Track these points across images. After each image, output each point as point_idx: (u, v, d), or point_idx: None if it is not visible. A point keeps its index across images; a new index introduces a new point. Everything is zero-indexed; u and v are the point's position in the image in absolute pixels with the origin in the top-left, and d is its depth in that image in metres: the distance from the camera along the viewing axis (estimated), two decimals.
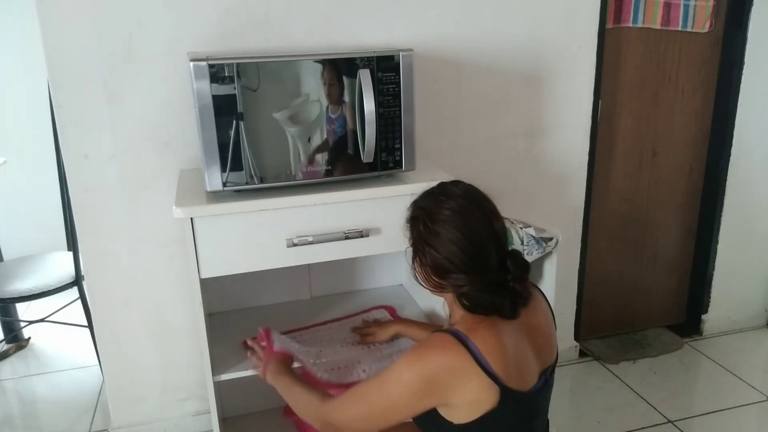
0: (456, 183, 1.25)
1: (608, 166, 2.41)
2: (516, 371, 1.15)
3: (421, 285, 1.27)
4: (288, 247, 1.54)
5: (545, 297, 1.33)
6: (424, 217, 1.21)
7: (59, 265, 2.44)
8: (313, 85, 1.50)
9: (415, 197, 1.28)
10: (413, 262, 1.27)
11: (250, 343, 1.61)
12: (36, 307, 2.87)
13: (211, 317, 1.93)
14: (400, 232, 1.64)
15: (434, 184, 1.28)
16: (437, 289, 1.23)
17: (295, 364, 1.59)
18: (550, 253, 1.84)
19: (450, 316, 1.28)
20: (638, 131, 2.41)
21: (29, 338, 2.76)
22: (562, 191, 2.27)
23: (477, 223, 1.17)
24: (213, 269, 1.53)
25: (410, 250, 1.28)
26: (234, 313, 1.96)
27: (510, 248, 1.23)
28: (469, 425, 1.14)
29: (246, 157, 1.47)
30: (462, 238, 1.15)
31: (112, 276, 1.89)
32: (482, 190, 1.24)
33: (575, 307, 2.45)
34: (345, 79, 1.51)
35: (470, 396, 1.12)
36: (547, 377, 1.24)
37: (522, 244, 1.77)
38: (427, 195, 1.26)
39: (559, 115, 2.17)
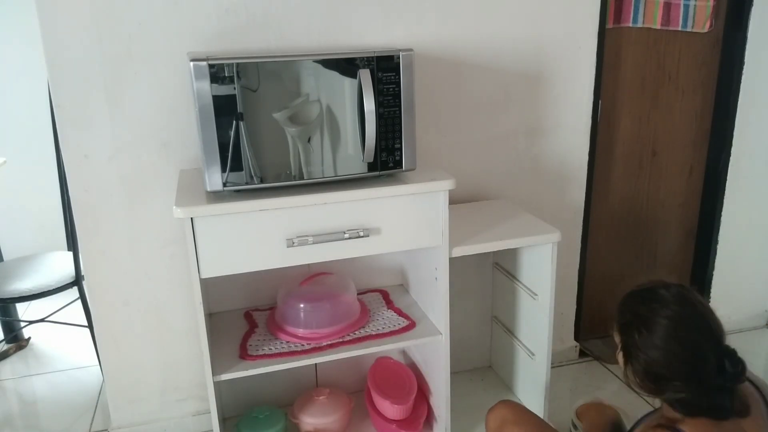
0: (667, 286, 1.24)
1: (608, 166, 2.41)
2: None
3: (632, 389, 1.27)
4: (288, 247, 1.54)
5: (765, 398, 1.28)
6: (639, 325, 1.21)
7: (59, 265, 2.44)
8: (313, 85, 1.50)
9: (624, 300, 1.28)
10: (626, 367, 1.27)
11: None
12: (36, 307, 2.87)
13: (211, 317, 1.93)
14: (401, 232, 1.65)
15: (644, 286, 1.27)
16: (652, 393, 1.23)
17: None
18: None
19: (664, 409, 1.28)
20: (638, 131, 2.41)
21: (29, 338, 2.76)
22: (562, 191, 2.27)
23: (694, 330, 1.17)
24: (213, 269, 1.53)
25: (621, 354, 1.27)
26: (234, 313, 1.96)
27: (725, 345, 1.20)
28: None
29: (246, 157, 1.47)
30: (680, 348, 1.16)
31: (112, 276, 1.89)
32: (693, 291, 1.24)
33: (575, 307, 2.45)
34: (345, 79, 1.51)
35: None
36: None
37: None
38: (639, 300, 1.25)
39: (559, 115, 2.17)
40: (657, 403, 1.34)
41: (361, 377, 2.12)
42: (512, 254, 2.03)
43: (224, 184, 1.47)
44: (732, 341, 1.12)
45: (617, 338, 1.29)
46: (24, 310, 2.95)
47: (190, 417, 2.09)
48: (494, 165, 2.15)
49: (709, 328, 1.18)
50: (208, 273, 1.53)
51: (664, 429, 1.15)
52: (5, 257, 2.80)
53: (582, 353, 2.51)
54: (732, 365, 1.16)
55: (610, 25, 2.20)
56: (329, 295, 1.81)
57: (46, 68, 1.69)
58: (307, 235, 1.55)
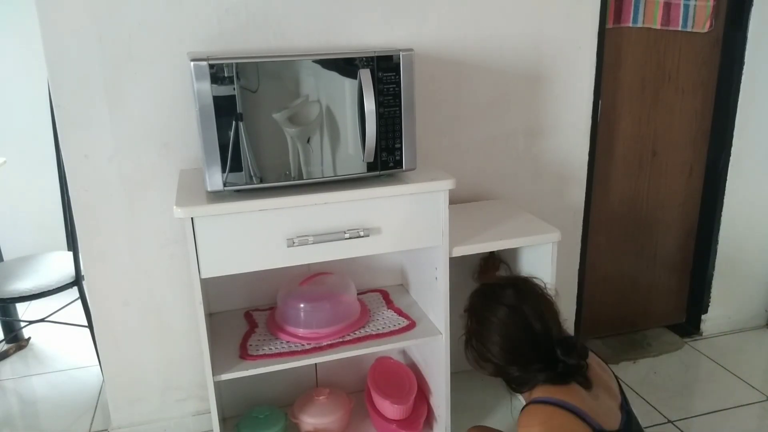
0: (504, 287, 1.42)
1: (608, 166, 2.41)
2: (602, 413, 1.29)
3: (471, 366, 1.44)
4: (288, 247, 1.54)
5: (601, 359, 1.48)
6: (474, 317, 1.42)
7: (59, 265, 2.44)
8: (313, 86, 1.50)
9: (473, 292, 1.48)
10: (465, 348, 1.45)
11: None
12: (36, 307, 2.87)
13: (211, 317, 1.93)
14: (401, 232, 1.66)
15: (490, 283, 1.49)
16: (484, 371, 1.41)
17: None
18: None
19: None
20: (638, 131, 2.41)
21: (29, 338, 2.76)
22: (562, 191, 2.27)
23: (517, 329, 1.35)
24: (213, 269, 1.53)
25: (464, 335, 1.46)
26: (234, 313, 1.96)
27: (563, 335, 1.37)
28: None
29: (246, 157, 1.47)
30: (501, 342, 1.35)
31: (112, 276, 1.89)
32: (536, 286, 1.42)
33: (575, 307, 2.44)
34: (345, 79, 1.51)
35: None
36: (627, 409, 1.37)
37: None
38: (482, 295, 1.45)
39: (559, 115, 2.17)
40: None
41: (361, 377, 2.12)
42: (512, 254, 2.03)
43: (224, 184, 1.47)
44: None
45: (464, 322, 1.47)
46: (24, 310, 2.95)
47: (190, 417, 2.09)
48: (494, 165, 2.15)
49: (532, 330, 1.34)
50: (208, 273, 1.53)
51: (528, 405, 1.31)
52: (5, 257, 2.80)
53: None
54: (564, 352, 1.31)
55: (610, 25, 2.20)
56: (329, 295, 1.81)
57: (46, 68, 1.69)
58: (307, 235, 1.55)
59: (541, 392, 1.31)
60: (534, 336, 1.34)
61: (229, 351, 1.73)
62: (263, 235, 1.53)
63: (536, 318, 1.35)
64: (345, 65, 1.50)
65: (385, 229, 1.62)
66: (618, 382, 1.43)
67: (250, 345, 1.75)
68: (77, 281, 2.36)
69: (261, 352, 1.71)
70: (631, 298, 2.64)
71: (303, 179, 1.54)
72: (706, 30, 2.31)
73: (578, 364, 1.32)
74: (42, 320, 2.51)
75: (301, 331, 1.76)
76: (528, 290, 1.41)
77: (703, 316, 2.68)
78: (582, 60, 2.13)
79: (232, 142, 1.45)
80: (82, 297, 2.37)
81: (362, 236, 1.59)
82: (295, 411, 1.91)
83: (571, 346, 1.33)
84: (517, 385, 1.38)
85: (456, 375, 1.88)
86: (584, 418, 1.24)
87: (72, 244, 2.33)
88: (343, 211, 1.58)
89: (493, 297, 1.41)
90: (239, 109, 1.43)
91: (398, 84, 1.53)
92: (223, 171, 1.46)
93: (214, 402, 1.64)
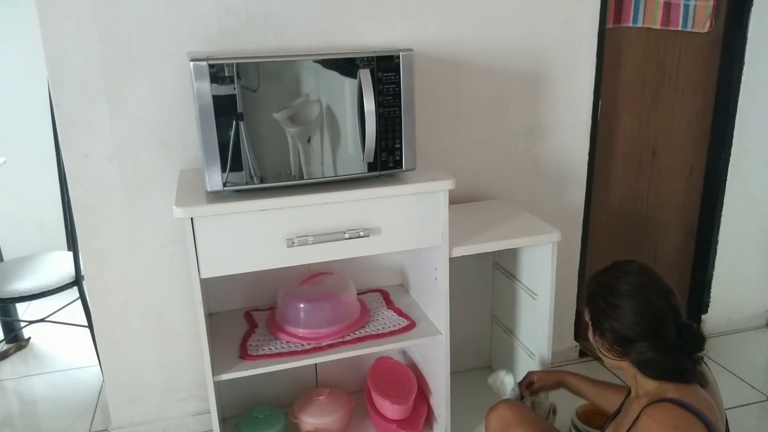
0: (630, 262, 1.38)
1: (608, 166, 2.41)
2: (717, 413, 1.24)
3: (602, 355, 1.38)
4: (288, 247, 1.54)
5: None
6: (604, 292, 1.34)
7: (59, 265, 2.44)
8: (313, 85, 1.50)
9: (590, 277, 1.42)
10: (594, 335, 1.39)
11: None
12: (36, 307, 2.87)
13: (211, 317, 1.93)
14: (401, 232, 1.66)
15: (607, 265, 1.41)
16: (618, 357, 1.34)
17: None
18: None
19: (635, 388, 1.37)
20: (638, 131, 2.41)
21: (29, 338, 2.76)
22: (562, 191, 2.27)
23: (655, 294, 1.29)
24: (213, 269, 1.53)
25: (590, 324, 1.39)
26: (234, 313, 1.96)
27: (685, 320, 1.32)
28: None
29: (246, 157, 1.47)
30: (642, 310, 1.28)
31: (112, 276, 1.89)
32: (653, 270, 1.36)
33: (575, 307, 2.45)
34: (345, 79, 1.51)
35: None
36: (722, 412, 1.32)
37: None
38: (605, 272, 1.39)
39: (559, 115, 2.17)
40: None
41: (361, 377, 2.12)
42: (512, 254, 2.03)
43: (224, 184, 1.47)
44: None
45: (586, 314, 1.40)
46: (24, 310, 2.95)
47: (190, 417, 2.09)
48: (494, 165, 2.15)
49: (669, 300, 1.29)
50: (208, 273, 1.53)
51: (657, 402, 1.24)
52: (5, 257, 2.80)
53: (582, 353, 2.51)
54: (691, 334, 1.28)
55: (610, 25, 2.20)
56: (329, 295, 1.81)
57: (46, 68, 1.69)
58: (307, 235, 1.55)
59: (673, 392, 1.25)
60: (669, 306, 1.29)
61: (229, 351, 1.73)
62: (263, 235, 1.53)
63: (669, 290, 1.31)
64: (345, 65, 1.50)
65: (385, 229, 1.62)
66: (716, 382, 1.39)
67: (250, 345, 1.75)
68: (77, 281, 2.36)
69: (261, 352, 1.71)
70: None
71: (303, 179, 1.54)
72: (706, 30, 2.31)
73: (700, 357, 1.31)
74: (42, 320, 2.51)
75: (301, 331, 1.76)
76: (652, 270, 1.37)
77: (703, 316, 2.68)
78: (582, 60, 2.13)
79: (232, 141, 1.45)
80: (82, 297, 2.37)
81: (362, 236, 1.59)
82: (295, 411, 1.91)
83: (695, 330, 1.30)
84: (645, 367, 1.30)
85: (456, 375, 1.88)
86: (710, 427, 1.21)
87: (72, 244, 2.33)
88: (343, 211, 1.58)
89: (620, 269, 1.36)
90: (240, 109, 1.44)
91: (398, 84, 1.53)
92: (223, 171, 1.46)
93: (214, 402, 1.64)
